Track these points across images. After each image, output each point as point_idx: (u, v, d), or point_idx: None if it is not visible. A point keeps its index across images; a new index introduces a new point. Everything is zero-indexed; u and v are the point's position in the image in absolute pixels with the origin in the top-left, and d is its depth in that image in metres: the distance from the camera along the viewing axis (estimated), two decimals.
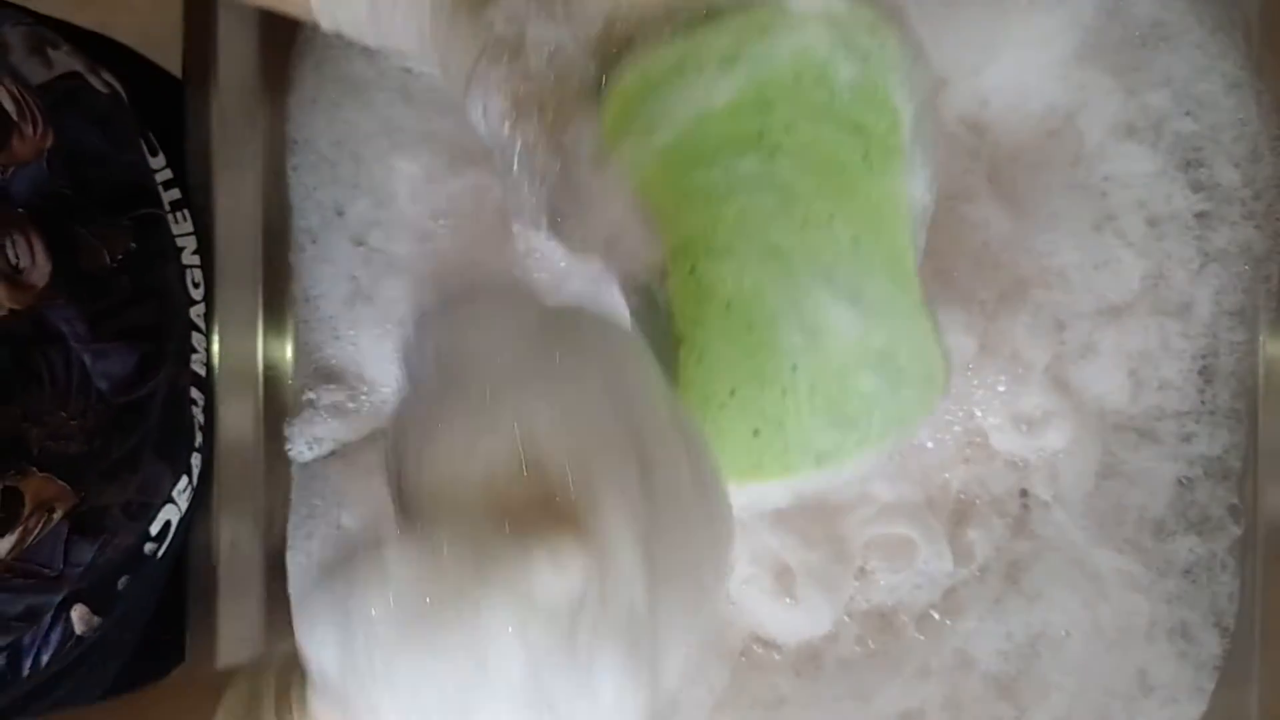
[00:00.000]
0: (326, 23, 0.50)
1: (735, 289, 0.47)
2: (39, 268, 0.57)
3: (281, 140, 0.73)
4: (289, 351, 0.73)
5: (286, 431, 0.72)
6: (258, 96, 0.71)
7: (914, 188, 0.49)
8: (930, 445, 0.67)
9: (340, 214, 0.73)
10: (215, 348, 0.71)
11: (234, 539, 0.71)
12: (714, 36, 0.45)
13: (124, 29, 0.78)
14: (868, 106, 0.47)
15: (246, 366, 0.72)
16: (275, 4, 0.52)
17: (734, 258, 0.47)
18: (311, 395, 0.72)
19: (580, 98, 0.44)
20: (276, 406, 0.73)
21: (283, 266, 0.73)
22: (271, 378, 0.73)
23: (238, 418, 0.72)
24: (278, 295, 0.73)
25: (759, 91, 0.46)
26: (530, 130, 0.44)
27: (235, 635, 0.71)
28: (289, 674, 0.42)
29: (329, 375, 0.73)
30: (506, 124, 0.44)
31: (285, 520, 0.73)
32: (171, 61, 0.74)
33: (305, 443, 0.72)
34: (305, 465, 0.73)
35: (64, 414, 0.58)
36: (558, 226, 0.45)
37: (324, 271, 0.73)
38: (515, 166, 0.45)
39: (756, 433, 0.48)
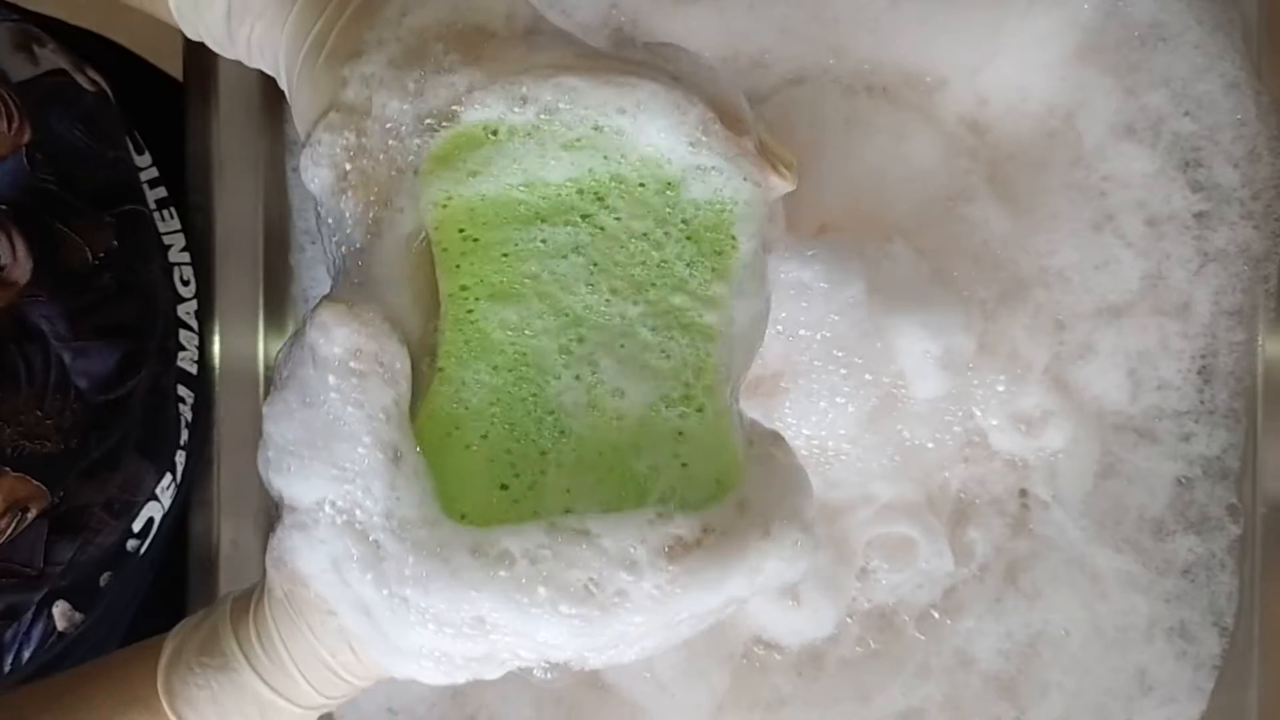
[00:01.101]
0: (189, 30, 0.49)
1: (514, 339, 0.44)
2: (20, 264, 0.55)
3: (281, 142, 0.71)
4: None
5: None
6: (258, 98, 0.70)
7: (739, 311, 0.46)
8: (930, 445, 0.66)
9: None
10: (216, 348, 0.70)
11: (234, 539, 0.70)
12: (575, 121, 0.44)
13: (124, 31, 0.78)
14: (706, 223, 0.45)
15: (246, 366, 0.71)
16: (138, 3, 0.50)
17: (521, 306, 0.44)
18: None
19: (404, 175, 0.44)
20: None
21: (283, 267, 0.72)
22: (272, 378, 0.72)
23: (238, 418, 0.70)
24: (278, 296, 0.72)
25: (598, 184, 0.45)
26: (349, 206, 0.44)
27: None
28: (244, 593, 0.48)
29: None
30: (331, 194, 0.44)
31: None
32: (172, 64, 0.74)
33: None
34: None
35: (39, 413, 0.56)
36: (340, 282, 0.45)
37: (324, 272, 0.72)
38: (326, 225, 0.45)
39: (505, 487, 0.44)
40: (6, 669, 0.60)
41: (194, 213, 0.70)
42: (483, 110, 0.44)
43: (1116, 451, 0.68)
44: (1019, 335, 0.66)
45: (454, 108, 0.44)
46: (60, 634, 0.62)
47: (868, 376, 0.63)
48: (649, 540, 0.41)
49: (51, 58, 0.62)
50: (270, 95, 0.71)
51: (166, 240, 0.68)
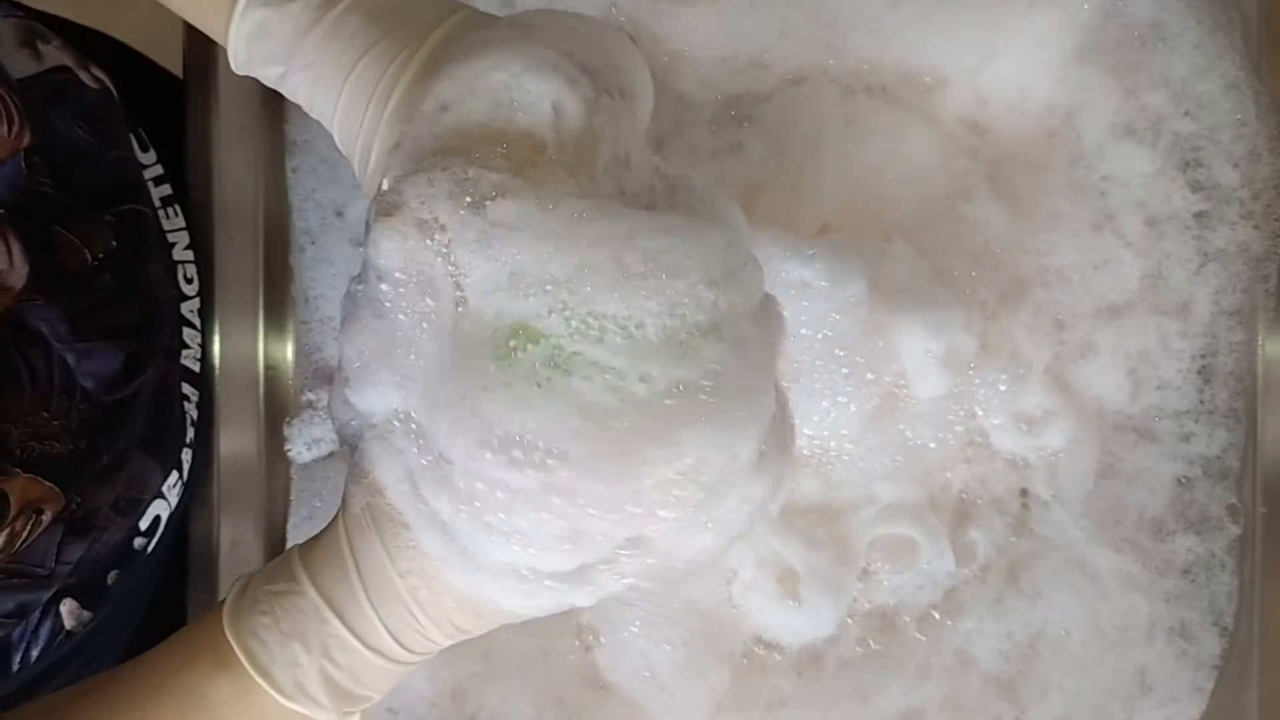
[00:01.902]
0: (242, 69, 0.49)
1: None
2: (16, 269, 0.55)
3: (281, 141, 0.71)
4: (289, 352, 0.72)
5: (286, 431, 0.71)
6: (258, 98, 0.70)
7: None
8: (932, 445, 0.66)
9: (340, 215, 0.72)
10: (216, 348, 0.70)
11: (234, 539, 0.70)
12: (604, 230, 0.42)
13: (126, 28, 0.77)
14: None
15: (247, 367, 0.70)
16: (192, 18, 0.50)
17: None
18: (311, 396, 0.71)
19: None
20: (276, 407, 0.71)
21: (283, 268, 0.71)
22: (271, 378, 0.71)
23: (238, 418, 0.70)
24: (278, 296, 0.71)
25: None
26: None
27: None
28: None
29: (329, 376, 0.72)
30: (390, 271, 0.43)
31: (285, 520, 0.72)
32: (173, 62, 0.74)
33: (305, 443, 0.71)
34: (305, 465, 0.72)
35: (46, 414, 0.55)
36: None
37: (324, 272, 0.71)
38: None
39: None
40: (15, 667, 0.60)
41: (195, 211, 0.70)
42: (505, 208, 0.41)
43: (1116, 451, 0.68)
44: (1020, 335, 0.66)
45: (485, 201, 0.41)
46: (68, 632, 0.62)
47: (869, 376, 0.62)
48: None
49: (55, 54, 0.62)
50: (270, 95, 0.70)
51: (170, 238, 0.67)
